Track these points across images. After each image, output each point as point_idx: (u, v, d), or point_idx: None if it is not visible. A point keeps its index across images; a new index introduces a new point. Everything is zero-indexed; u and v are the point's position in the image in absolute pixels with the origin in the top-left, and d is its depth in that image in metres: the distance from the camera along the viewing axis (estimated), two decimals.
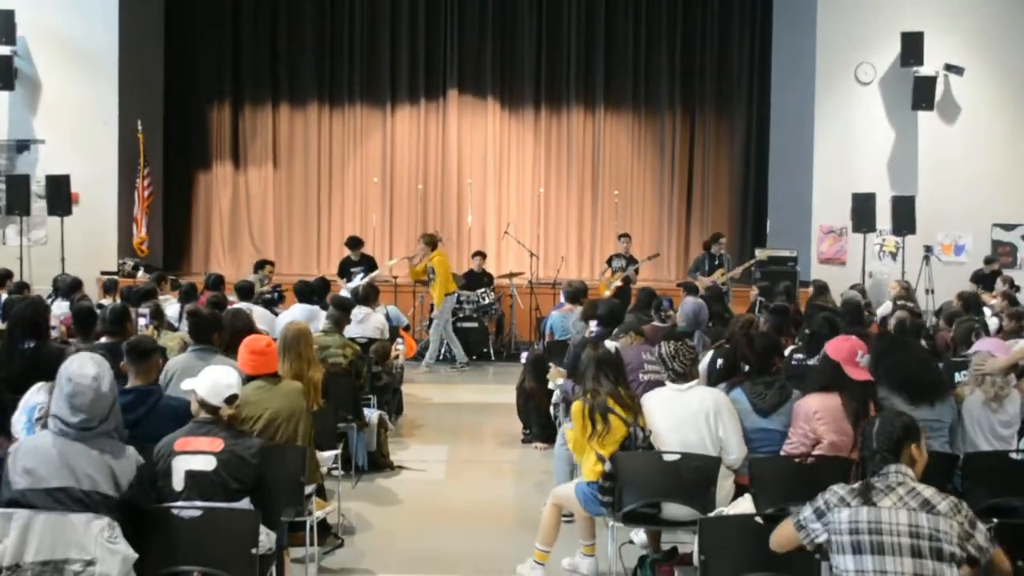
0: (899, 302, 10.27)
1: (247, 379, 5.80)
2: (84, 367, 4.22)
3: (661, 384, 6.21)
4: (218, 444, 4.62)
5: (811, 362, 6.98)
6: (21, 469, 4.11)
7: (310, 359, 6.63)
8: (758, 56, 18.10)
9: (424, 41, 18.10)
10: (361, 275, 13.76)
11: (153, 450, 4.66)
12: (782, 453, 5.66)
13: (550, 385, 8.51)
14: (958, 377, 6.77)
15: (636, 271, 14.63)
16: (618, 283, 14.30)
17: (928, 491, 3.77)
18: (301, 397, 6.00)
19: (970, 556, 3.70)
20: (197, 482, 4.56)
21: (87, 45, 15.44)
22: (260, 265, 13.13)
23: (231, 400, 4.85)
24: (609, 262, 15.05)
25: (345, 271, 14.21)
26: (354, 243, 14.49)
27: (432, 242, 13.95)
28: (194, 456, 4.60)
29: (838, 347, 5.71)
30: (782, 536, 4.09)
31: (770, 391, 5.89)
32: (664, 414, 5.75)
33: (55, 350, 6.68)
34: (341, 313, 8.82)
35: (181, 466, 4.59)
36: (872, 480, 3.82)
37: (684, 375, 5.86)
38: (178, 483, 4.58)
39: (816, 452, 5.47)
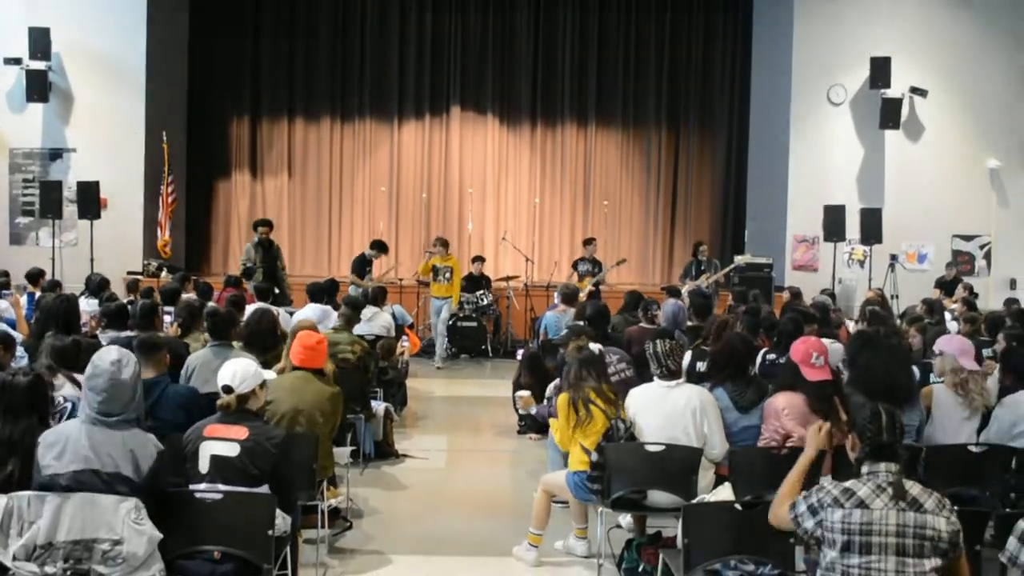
0: (869, 307, 10.29)
1: (292, 368, 6.01)
2: (107, 353, 4.24)
3: (628, 383, 6.22)
4: (243, 432, 4.62)
5: (782, 361, 6.97)
6: (51, 455, 4.10)
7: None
8: (738, 78, 18.12)
9: (429, 61, 18.12)
10: (369, 278, 13.76)
11: (167, 435, 4.65)
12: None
13: (521, 411, 8.45)
14: (932, 379, 6.68)
15: (603, 278, 14.51)
16: (590, 287, 14.14)
17: (915, 489, 3.71)
18: (330, 401, 6.01)
19: (947, 550, 3.65)
20: (220, 466, 4.56)
21: (117, 60, 15.44)
22: (256, 226, 13.31)
23: (262, 386, 4.87)
24: (575, 266, 14.96)
25: (360, 270, 14.05)
26: (380, 247, 14.30)
27: (447, 245, 14.15)
28: (220, 442, 4.60)
29: (796, 348, 5.68)
30: (779, 516, 4.05)
31: (748, 390, 5.89)
32: (653, 410, 5.72)
33: (85, 344, 6.66)
34: (353, 312, 8.85)
35: (207, 451, 4.60)
36: (865, 480, 3.76)
37: (675, 372, 5.84)
38: (203, 466, 4.58)
39: (789, 443, 5.46)
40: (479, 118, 18.25)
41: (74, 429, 4.17)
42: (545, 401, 8.75)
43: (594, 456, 5.59)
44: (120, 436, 4.16)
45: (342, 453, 6.75)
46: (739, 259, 15.02)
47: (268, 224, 13.42)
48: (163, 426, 5.14)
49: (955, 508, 3.74)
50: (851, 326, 9.50)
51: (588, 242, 15.11)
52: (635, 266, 17.76)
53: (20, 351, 6.80)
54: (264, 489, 4.58)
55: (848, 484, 3.75)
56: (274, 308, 10.16)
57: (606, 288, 14.51)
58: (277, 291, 11.64)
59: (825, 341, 6.11)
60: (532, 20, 18.11)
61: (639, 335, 8.53)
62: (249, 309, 8.44)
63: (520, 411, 8.40)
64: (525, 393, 7.43)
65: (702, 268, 14.47)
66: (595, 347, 6.63)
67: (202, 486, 4.53)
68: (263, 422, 4.88)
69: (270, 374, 5.46)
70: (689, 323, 9.25)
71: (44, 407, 4.56)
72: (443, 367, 13.81)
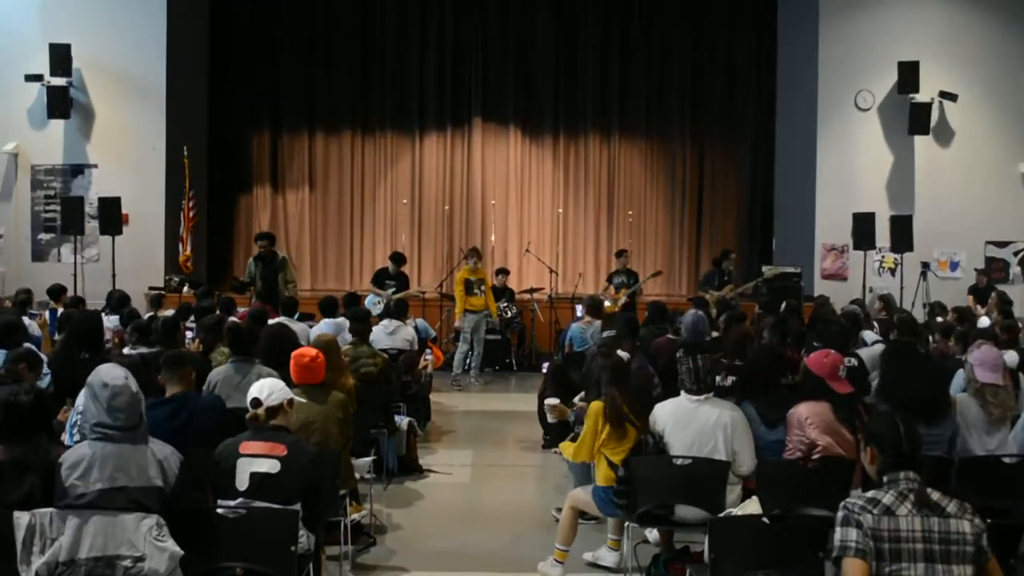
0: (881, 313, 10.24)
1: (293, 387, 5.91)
2: (114, 370, 4.25)
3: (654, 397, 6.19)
4: (282, 449, 4.67)
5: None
6: (75, 475, 4.10)
7: (340, 367, 6.68)
8: (764, 84, 18.11)
9: (451, 73, 18.21)
10: (393, 291, 13.78)
11: (197, 452, 4.68)
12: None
13: (551, 420, 8.30)
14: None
15: (641, 289, 14.49)
16: (624, 299, 14.18)
17: (935, 494, 3.70)
18: (337, 407, 6.02)
19: (976, 555, 3.63)
20: (262, 484, 4.60)
21: (137, 76, 15.54)
22: (255, 240, 13.48)
23: (291, 403, 4.93)
24: (610, 279, 14.97)
25: (380, 281, 14.15)
26: (399, 259, 14.32)
27: (481, 256, 14.10)
28: (260, 459, 4.65)
29: (820, 363, 5.64)
30: (571, 453, 3.99)
31: (777, 404, 5.84)
32: (681, 425, 5.65)
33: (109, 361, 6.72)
34: (361, 325, 8.75)
35: (245, 468, 4.63)
36: (886, 489, 3.74)
37: (708, 388, 5.76)
38: (242, 483, 4.61)
39: (815, 456, 5.43)
40: (501, 130, 18.29)
41: (96, 448, 4.15)
42: (576, 402, 8.73)
43: (621, 471, 5.57)
44: (146, 448, 4.19)
45: (362, 465, 6.76)
46: (766, 270, 14.91)
47: (266, 238, 13.38)
48: (200, 439, 5.18)
49: (972, 509, 3.72)
50: (869, 336, 9.43)
51: (620, 254, 15.10)
52: (661, 277, 17.68)
53: (45, 369, 6.87)
54: (296, 506, 4.61)
55: (871, 494, 3.74)
56: (296, 323, 10.27)
57: (628, 302, 14.40)
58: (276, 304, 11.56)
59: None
60: (554, 31, 18.17)
61: (666, 347, 8.50)
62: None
63: (550, 420, 8.32)
64: (555, 400, 7.32)
65: (725, 279, 14.41)
66: (623, 355, 6.53)
67: (233, 503, 4.55)
68: (297, 439, 4.93)
69: (300, 398, 5.48)
70: (715, 334, 9.22)
71: (49, 422, 4.60)
72: (474, 383, 13.69)
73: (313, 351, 6.20)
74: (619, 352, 6.45)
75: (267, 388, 4.87)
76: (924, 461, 3.87)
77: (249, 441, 4.72)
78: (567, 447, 6.27)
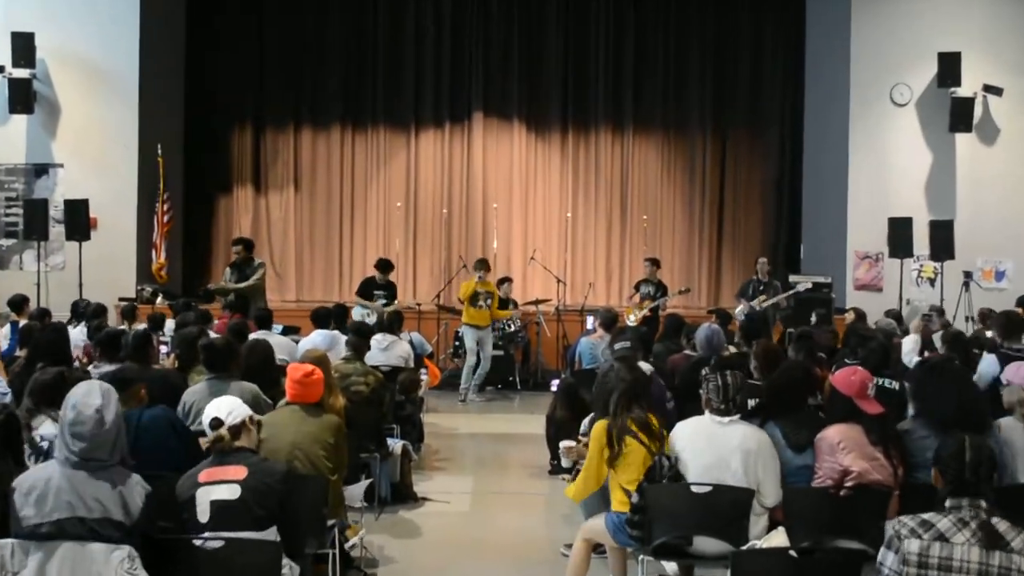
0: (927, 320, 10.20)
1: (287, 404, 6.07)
2: (89, 396, 4.25)
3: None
4: (242, 472, 4.67)
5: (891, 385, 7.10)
6: (30, 501, 4.13)
7: (331, 386, 6.68)
8: (791, 76, 18.14)
9: (449, 62, 18.24)
10: (382, 302, 13.80)
11: (156, 476, 4.69)
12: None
13: (565, 463, 8.23)
14: None
15: (666, 304, 14.51)
16: (646, 312, 14.18)
17: (1002, 525, 3.72)
18: (328, 430, 6.02)
19: None
20: (223, 512, 4.60)
21: (107, 68, 15.59)
22: (234, 243, 13.52)
23: (254, 422, 4.92)
24: (637, 287, 14.99)
25: (367, 292, 14.14)
26: (385, 267, 14.35)
27: (489, 268, 14.20)
28: (218, 486, 4.65)
29: (847, 381, 5.64)
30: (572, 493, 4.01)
31: (804, 425, 5.83)
32: (702, 448, 5.60)
33: (77, 379, 6.73)
34: (361, 340, 8.81)
35: (205, 497, 4.64)
36: (945, 513, 3.76)
37: (737, 407, 5.70)
38: (203, 514, 4.62)
39: (849, 483, 5.42)
40: (504, 125, 18.33)
41: (53, 473, 4.18)
42: (580, 438, 8.74)
43: (634, 497, 5.56)
44: (107, 479, 4.20)
45: (355, 493, 6.77)
46: (800, 282, 14.78)
47: (242, 243, 13.58)
48: (152, 458, 5.20)
49: None
50: (907, 345, 9.42)
51: (653, 263, 15.11)
52: (680, 287, 17.71)
53: (3, 387, 6.88)
54: (271, 532, 4.62)
55: (926, 516, 3.77)
56: (281, 337, 10.29)
57: (649, 315, 14.36)
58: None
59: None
60: (562, 16, 18.22)
61: (683, 364, 8.52)
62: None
63: (565, 464, 8.24)
64: (570, 443, 7.21)
65: (761, 288, 14.43)
66: (646, 367, 6.49)
67: (206, 535, 4.56)
68: (262, 459, 4.93)
69: (261, 417, 5.49)
70: (733, 348, 9.23)
71: (18, 447, 4.61)
72: (475, 400, 13.82)
73: (309, 366, 6.22)
74: (643, 364, 6.34)
75: (225, 406, 4.89)
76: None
77: (208, 468, 4.74)
78: (570, 489, 6.21)
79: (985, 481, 3.82)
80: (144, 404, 5.86)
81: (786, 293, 14.53)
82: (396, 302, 14.05)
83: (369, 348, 9.25)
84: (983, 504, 3.77)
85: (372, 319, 12.52)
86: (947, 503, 3.80)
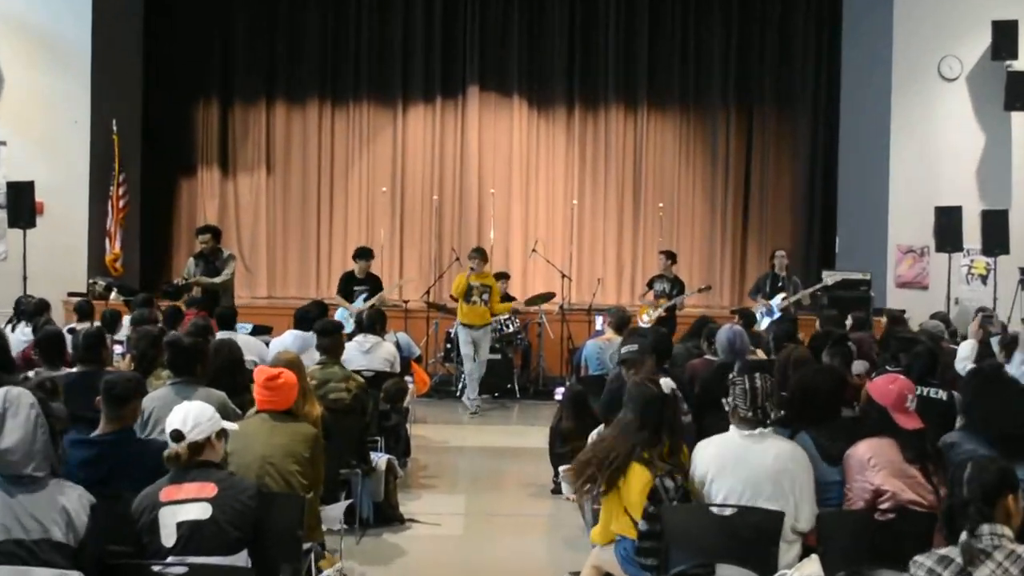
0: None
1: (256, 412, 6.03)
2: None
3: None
4: (211, 489, 4.65)
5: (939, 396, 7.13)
6: None
7: (305, 391, 6.66)
8: (826, 46, 18.15)
9: (441, 29, 18.24)
10: (364, 296, 13.72)
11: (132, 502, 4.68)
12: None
13: (566, 492, 8.17)
14: None
15: (683, 302, 14.49)
16: (661, 312, 14.16)
17: None
18: (303, 443, 5.99)
19: None
20: (192, 534, 4.58)
21: (55, 35, 15.58)
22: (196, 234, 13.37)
23: (220, 434, 4.90)
24: (651, 284, 14.97)
25: (347, 289, 13.96)
26: (364, 254, 14.10)
27: (486, 258, 13.93)
28: (185, 505, 4.63)
29: (884, 390, 5.62)
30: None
31: (840, 435, 5.81)
32: (730, 468, 5.54)
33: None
34: (330, 339, 8.70)
35: (170, 518, 4.61)
36: (965, 543, 3.76)
37: (767, 417, 5.62)
38: (168, 538, 4.59)
39: (883, 505, 5.41)
40: (503, 100, 18.35)
41: None
42: None
43: (642, 525, 5.51)
44: (45, 494, 4.20)
45: (333, 516, 6.75)
46: (828, 276, 14.87)
47: (209, 231, 13.42)
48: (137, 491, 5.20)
49: None
50: (963, 351, 9.41)
51: (669, 256, 15.08)
52: (699, 284, 17.71)
53: None
54: (241, 557, 4.62)
55: (944, 551, 3.77)
56: (251, 337, 10.27)
57: (665, 315, 14.34)
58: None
59: None
60: None
61: (703, 369, 8.51)
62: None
63: (566, 493, 8.20)
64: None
65: (779, 284, 14.41)
66: (667, 384, 6.28)
67: (169, 560, 4.54)
68: (229, 473, 4.92)
69: (233, 425, 5.45)
70: (761, 353, 9.22)
71: None
72: (477, 412, 13.70)
73: (277, 369, 6.20)
74: (663, 381, 6.17)
75: (192, 417, 4.82)
76: None
77: (170, 485, 4.70)
78: (596, 533, 6.11)
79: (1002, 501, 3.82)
80: (136, 420, 5.81)
81: (808, 289, 14.48)
82: (379, 296, 13.83)
83: (343, 347, 9.13)
84: (1007, 532, 3.76)
85: (351, 324, 12.38)
86: (963, 534, 3.79)
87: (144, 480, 5.25)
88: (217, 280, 12.99)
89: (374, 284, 14.06)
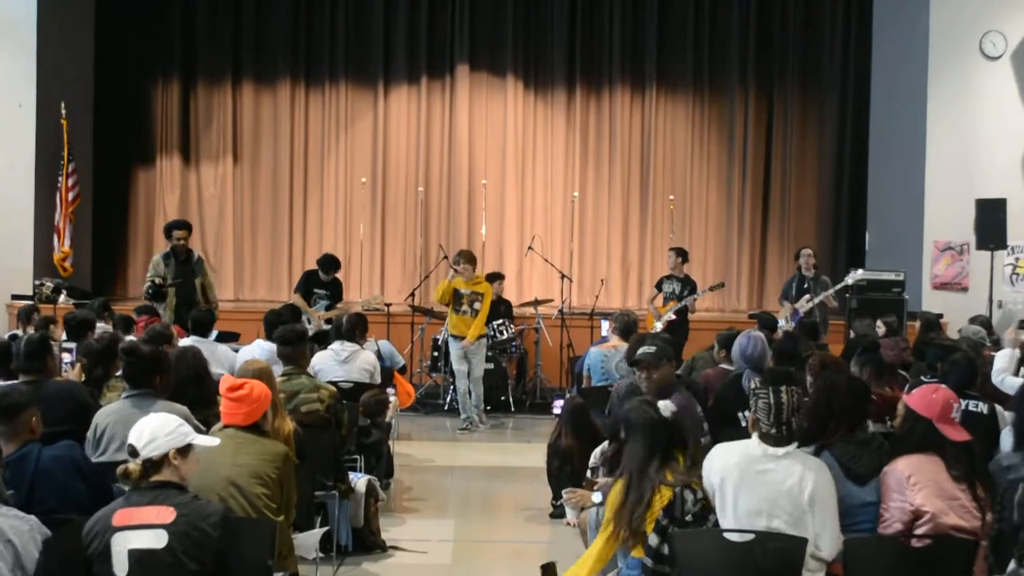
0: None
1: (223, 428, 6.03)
2: None
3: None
4: (169, 514, 4.64)
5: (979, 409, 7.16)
6: None
7: (276, 404, 6.66)
8: (855, 20, 18.18)
9: (427, 2, 18.26)
10: (326, 304, 13.68)
11: (61, 523, 4.68)
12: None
13: (571, 519, 8.19)
14: None
15: (695, 301, 14.47)
16: (671, 315, 14.13)
17: None
18: (271, 462, 5.98)
19: None
20: (145, 564, 4.58)
21: None
22: (168, 231, 13.12)
23: (185, 451, 4.89)
24: (659, 285, 14.92)
25: (307, 290, 13.86)
26: (331, 264, 13.98)
27: (475, 261, 13.56)
28: (139, 531, 4.63)
29: (928, 401, 5.63)
30: None
31: (866, 452, 5.80)
32: (748, 486, 5.53)
33: None
34: (292, 347, 8.61)
35: (122, 545, 4.61)
36: (1014, 573, 3.78)
37: (791, 436, 5.62)
38: (119, 566, 4.59)
39: (920, 530, 5.42)
40: (495, 82, 18.38)
41: None
42: (589, 472, 8.75)
43: (652, 539, 5.53)
44: None
45: (307, 543, 6.76)
46: (852, 275, 14.78)
47: (184, 227, 13.15)
48: (54, 509, 5.18)
49: None
50: (1000, 361, 9.44)
51: (680, 254, 14.98)
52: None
53: None
54: None
55: None
56: (218, 345, 10.29)
57: (675, 319, 14.30)
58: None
59: None
60: None
61: (716, 380, 8.54)
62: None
63: (569, 519, 8.20)
64: (574, 494, 7.10)
65: (805, 286, 14.39)
66: (666, 407, 6.27)
67: None
68: (192, 496, 4.91)
69: (210, 440, 5.44)
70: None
71: None
72: (468, 429, 13.54)
73: (241, 379, 6.19)
74: (662, 404, 6.17)
75: (148, 432, 4.82)
76: None
77: (126, 508, 4.70)
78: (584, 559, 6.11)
79: None
80: (37, 435, 5.74)
81: (829, 290, 14.36)
82: (339, 304, 13.75)
83: (305, 354, 9.02)
84: None
85: (312, 328, 12.33)
86: (1012, 563, 3.81)
87: (64, 493, 5.26)
88: (214, 290, 13.01)
89: (335, 291, 14.01)
